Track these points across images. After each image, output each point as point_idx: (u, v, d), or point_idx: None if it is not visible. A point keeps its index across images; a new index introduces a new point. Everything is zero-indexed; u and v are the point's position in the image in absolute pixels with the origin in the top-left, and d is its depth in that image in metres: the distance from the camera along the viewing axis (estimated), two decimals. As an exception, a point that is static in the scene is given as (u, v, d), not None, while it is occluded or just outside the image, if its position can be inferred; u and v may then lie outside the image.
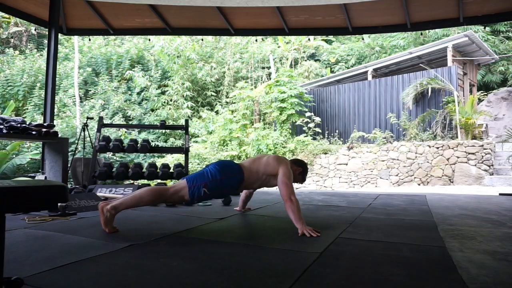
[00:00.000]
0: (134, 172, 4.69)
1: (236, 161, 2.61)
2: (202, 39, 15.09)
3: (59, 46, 12.24)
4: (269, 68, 15.97)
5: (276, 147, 10.99)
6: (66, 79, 14.92)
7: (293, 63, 16.18)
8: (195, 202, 2.36)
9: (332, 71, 16.34)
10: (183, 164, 4.99)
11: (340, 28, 6.55)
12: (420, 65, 12.23)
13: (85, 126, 5.54)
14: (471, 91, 12.22)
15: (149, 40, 14.87)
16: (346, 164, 9.96)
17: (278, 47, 16.48)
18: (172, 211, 3.10)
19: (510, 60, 14.02)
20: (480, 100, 12.26)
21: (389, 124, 10.80)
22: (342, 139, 11.40)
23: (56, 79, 6.12)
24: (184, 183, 2.26)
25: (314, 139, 11.21)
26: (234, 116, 12.64)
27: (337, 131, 11.76)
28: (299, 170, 2.60)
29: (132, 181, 7.02)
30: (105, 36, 16.47)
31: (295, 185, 2.82)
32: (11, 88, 14.03)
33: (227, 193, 2.36)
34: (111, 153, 9.45)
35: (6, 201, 0.98)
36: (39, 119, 11.79)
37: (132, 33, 8.20)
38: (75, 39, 14.78)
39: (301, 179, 2.64)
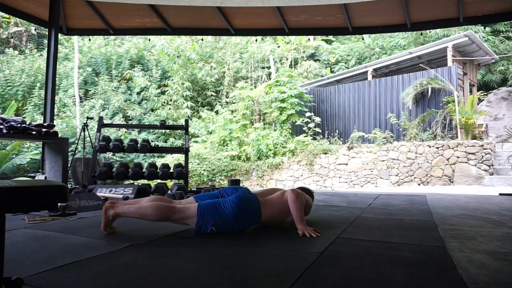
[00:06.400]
0: (134, 172, 4.70)
1: (259, 190, 2.46)
2: (202, 39, 15.08)
3: (59, 46, 12.23)
4: (269, 68, 15.96)
5: (276, 147, 10.99)
6: (66, 79, 14.91)
7: (293, 63, 16.16)
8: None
9: (332, 71, 16.32)
10: (183, 164, 4.99)
11: (340, 28, 6.56)
12: (420, 65, 12.22)
13: (85, 126, 5.55)
14: (471, 91, 12.21)
15: (149, 40, 14.86)
16: (346, 164, 9.96)
17: (278, 47, 16.47)
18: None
19: (510, 60, 14.02)
20: (480, 100, 12.25)
21: (389, 124, 10.79)
22: (342, 139, 11.38)
23: (56, 79, 6.12)
24: (193, 212, 2.13)
25: (314, 139, 11.20)
26: (234, 116, 12.63)
27: (337, 131, 11.75)
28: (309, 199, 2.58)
29: (132, 181, 7.02)
30: (105, 36, 16.46)
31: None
32: (10, 88, 14.02)
33: (236, 231, 2.24)
34: (111, 153, 9.45)
35: (6, 201, 0.98)
36: (39, 119, 11.78)
37: (132, 33, 8.22)
38: (75, 39, 14.76)
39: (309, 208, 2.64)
